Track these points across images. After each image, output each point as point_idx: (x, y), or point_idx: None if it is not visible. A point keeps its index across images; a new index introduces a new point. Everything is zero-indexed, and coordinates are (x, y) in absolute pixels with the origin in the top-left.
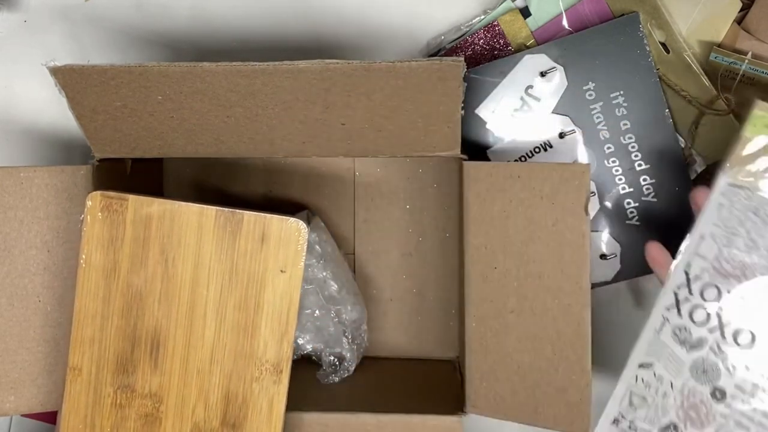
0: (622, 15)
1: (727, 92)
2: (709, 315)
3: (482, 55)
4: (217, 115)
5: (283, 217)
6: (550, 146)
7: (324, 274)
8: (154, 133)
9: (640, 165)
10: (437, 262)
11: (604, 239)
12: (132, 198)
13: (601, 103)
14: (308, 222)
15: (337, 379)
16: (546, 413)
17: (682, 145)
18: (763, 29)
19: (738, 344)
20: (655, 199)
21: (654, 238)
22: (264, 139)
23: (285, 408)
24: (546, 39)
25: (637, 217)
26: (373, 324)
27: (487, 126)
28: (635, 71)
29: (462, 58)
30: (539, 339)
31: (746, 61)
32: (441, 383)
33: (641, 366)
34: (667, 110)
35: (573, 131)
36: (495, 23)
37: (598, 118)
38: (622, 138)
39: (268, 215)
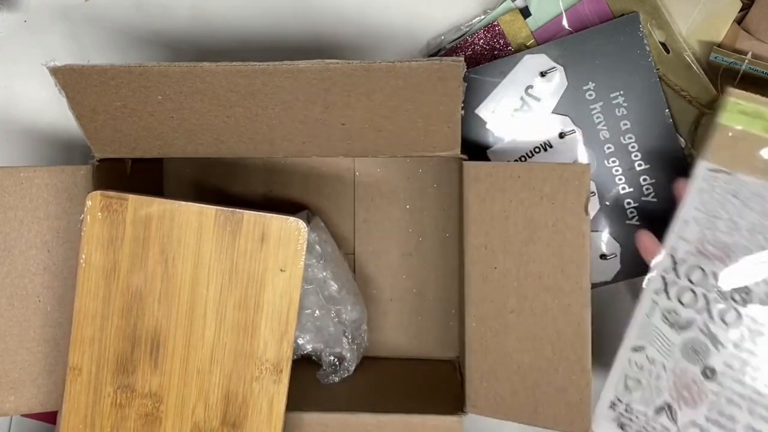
0: (622, 15)
1: None
2: (696, 296)
3: (482, 55)
4: (217, 115)
5: (283, 216)
6: (550, 146)
7: (324, 274)
8: (154, 133)
9: (640, 165)
10: (437, 262)
11: (604, 239)
12: (132, 198)
13: (601, 103)
14: (308, 222)
15: (337, 379)
16: (546, 413)
17: (682, 145)
18: (763, 29)
19: (725, 323)
20: (655, 199)
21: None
22: (264, 139)
23: (285, 407)
24: (546, 39)
25: (637, 217)
26: (373, 324)
27: (487, 126)
28: (635, 71)
29: (462, 58)
30: (539, 339)
31: (746, 61)
32: (441, 383)
33: (634, 350)
34: (667, 110)
35: (573, 131)
36: (495, 23)
37: (598, 118)
38: (622, 138)
39: (268, 215)
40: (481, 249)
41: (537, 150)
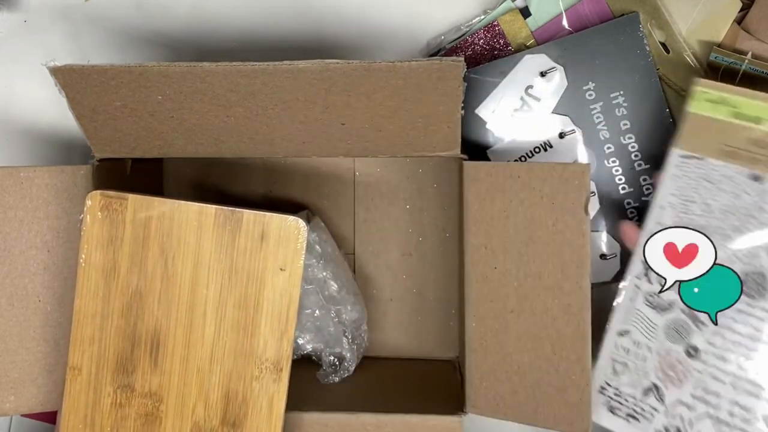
0: (622, 15)
1: None
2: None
3: (482, 55)
4: (217, 115)
5: (283, 215)
6: (550, 146)
7: (324, 274)
8: (154, 133)
9: (640, 165)
10: (437, 262)
11: (604, 239)
12: (131, 197)
13: (601, 103)
14: (308, 222)
15: (337, 379)
16: (546, 413)
17: None
18: (763, 29)
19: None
20: None
21: None
22: (264, 139)
23: (285, 406)
24: (546, 39)
25: (637, 217)
26: (373, 324)
27: (487, 126)
28: (635, 71)
29: (462, 58)
30: (539, 339)
31: (746, 61)
32: (441, 383)
33: (619, 334)
34: (667, 110)
35: (573, 131)
36: (495, 23)
37: (598, 118)
38: (622, 138)
39: (268, 213)
40: (481, 249)
41: (537, 150)
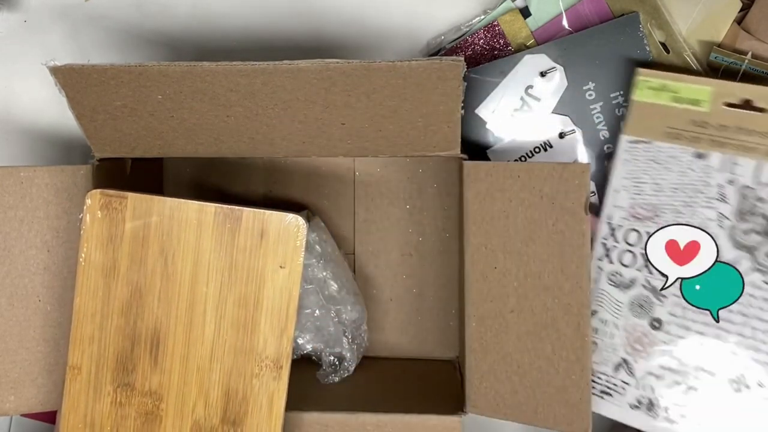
0: (622, 15)
1: None
2: (635, 256)
3: (482, 55)
4: (217, 114)
5: (282, 213)
6: (550, 146)
7: (324, 274)
8: (154, 133)
9: None
10: (437, 262)
11: None
12: (131, 196)
13: (601, 103)
14: (308, 222)
15: (337, 379)
16: (546, 413)
17: None
18: (763, 29)
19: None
20: None
21: None
22: (264, 139)
23: (285, 404)
24: (546, 39)
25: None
26: (373, 324)
27: (487, 126)
28: (635, 71)
29: (462, 58)
30: (539, 339)
31: (746, 61)
32: (441, 383)
33: None
34: None
35: (573, 131)
36: (495, 23)
37: (598, 118)
38: None
39: (267, 211)
40: (481, 249)
41: (537, 150)
